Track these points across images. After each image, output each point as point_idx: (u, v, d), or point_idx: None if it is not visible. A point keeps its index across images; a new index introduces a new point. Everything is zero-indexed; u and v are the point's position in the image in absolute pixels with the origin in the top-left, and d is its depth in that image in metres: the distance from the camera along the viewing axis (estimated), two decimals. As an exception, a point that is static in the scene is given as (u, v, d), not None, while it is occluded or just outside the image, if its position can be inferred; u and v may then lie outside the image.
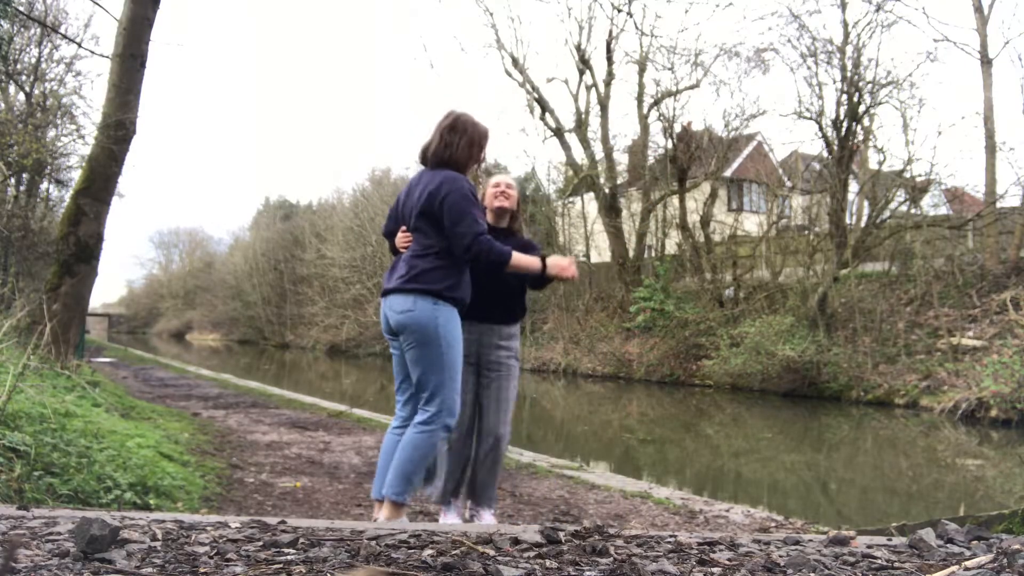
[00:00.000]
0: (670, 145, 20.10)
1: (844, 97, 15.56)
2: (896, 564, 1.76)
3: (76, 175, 12.30)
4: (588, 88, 21.44)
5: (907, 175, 16.06)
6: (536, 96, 21.42)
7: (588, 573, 1.62)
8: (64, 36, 15.94)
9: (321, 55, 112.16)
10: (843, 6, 15.94)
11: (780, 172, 22.93)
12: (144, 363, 18.11)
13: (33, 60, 16.74)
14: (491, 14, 30.63)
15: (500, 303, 3.42)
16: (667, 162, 20.24)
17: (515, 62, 21.32)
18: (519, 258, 3.02)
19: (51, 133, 15.79)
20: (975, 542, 1.95)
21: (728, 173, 23.78)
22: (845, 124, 15.56)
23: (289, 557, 1.69)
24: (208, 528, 1.97)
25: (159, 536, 1.82)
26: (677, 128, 20.12)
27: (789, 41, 17.31)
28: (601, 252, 23.52)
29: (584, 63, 20.97)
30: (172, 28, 61.78)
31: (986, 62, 15.27)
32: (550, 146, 46.85)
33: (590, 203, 23.26)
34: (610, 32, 20.53)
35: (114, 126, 8.57)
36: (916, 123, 39.15)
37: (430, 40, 63.79)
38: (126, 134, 8.73)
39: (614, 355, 18.58)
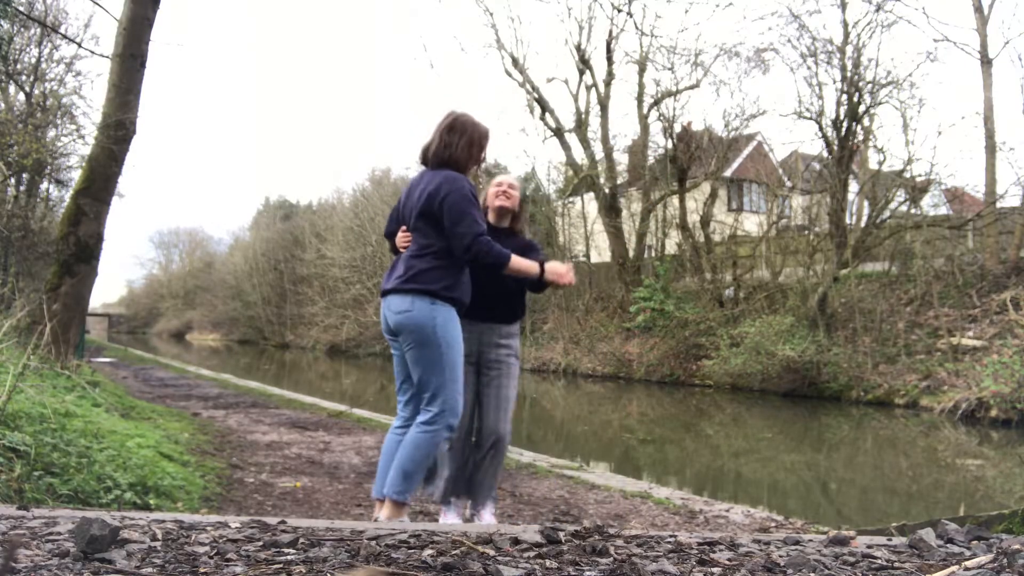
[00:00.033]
0: (670, 145, 20.11)
1: (844, 97, 15.56)
2: (896, 564, 1.76)
3: (76, 175, 12.31)
4: (588, 88, 21.46)
5: (907, 175, 16.06)
6: (536, 96, 21.43)
7: (588, 573, 1.62)
8: (64, 36, 15.95)
9: (321, 55, 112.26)
10: (843, 6, 15.96)
11: (780, 172, 22.93)
12: (144, 363, 18.11)
13: (33, 60, 16.76)
14: (491, 14, 30.65)
15: (500, 302, 3.42)
16: (667, 162, 20.24)
17: (515, 62, 21.33)
18: (518, 261, 3.02)
19: (51, 133, 15.81)
20: (975, 542, 1.95)
21: (728, 173, 23.78)
22: (845, 124, 15.56)
23: (289, 557, 1.69)
24: (208, 528, 1.97)
25: (159, 536, 1.82)
26: (677, 128, 20.13)
27: (789, 41, 17.33)
28: (601, 252, 23.51)
29: (584, 63, 20.97)
30: (172, 28, 61.82)
31: (986, 62, 15.27)
32: (550, 146, 46.89)
33: (590, 203, 23.26)
34: (610, 32, 20.56)
35: (114, 126, 8.57)
36: (916, 123, 39.21)
37: (430, 40, 63.86)
38: (126, 134, 8.73)
39: (614, 355, 18.58)
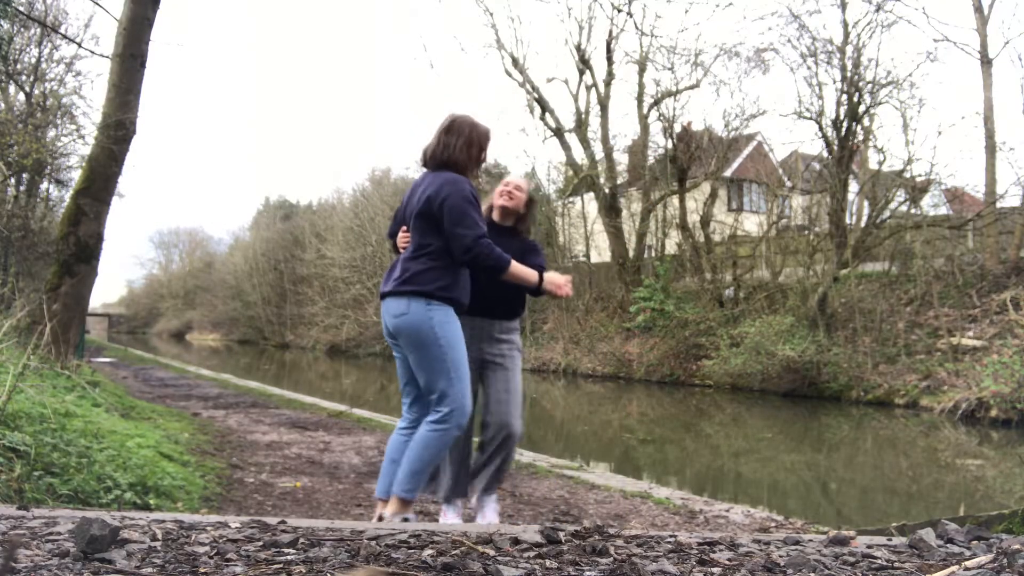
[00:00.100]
0: (670, 145, 20.11)
1: (844, 97, 15.56)
2: (896, 564, 1.76)
3: (76, 175, 12.31)
4: (588, 88, 21.46)
5: (907, 175, 16.06)
6: (536, 96, 21.43)
7: (588, 573, 1.62)
8: (64, 36, 15.96)
9: (321, 55, 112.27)
10: (843, 6, 15.95)
11: (780, 172, 22.93)
12: (144, 363, 18.11)
13: (33, 60, 16.76)
14: (491, 14, 30.68)
15: (499, 300, 3.42)
16: (667, 162, 20.24)
17: (515, 62, 21.33)
18: (517, 268, 3.02)
19: (51, 133, 15.81)
20: (975, 542, 1.95)
21: (728, 173, 23.78)
22: (845, 124, 15.56)
23: (289, 557, 1.69)
24: (208, 528, 1.97)
25: (159, 536, 1.82)
26: (677, 128, 20.13)
27: (789, 41, 17.33)
28: (601, 252, 23.51)
29: (584, 63, 20.97)
30: (172, 28, 61.85)
31: (986, 62, 15.27)
32: (550, 146, 46.92)
33: (590, 203, 23.26)
34: (610, 32, 20.55)
35: (114, 126, 8.57)
36: (916, 123, 39.23)
37: (430, 40, 63.89)
38: (126, 134, 8.73)
39: (614, 355, 18.58)
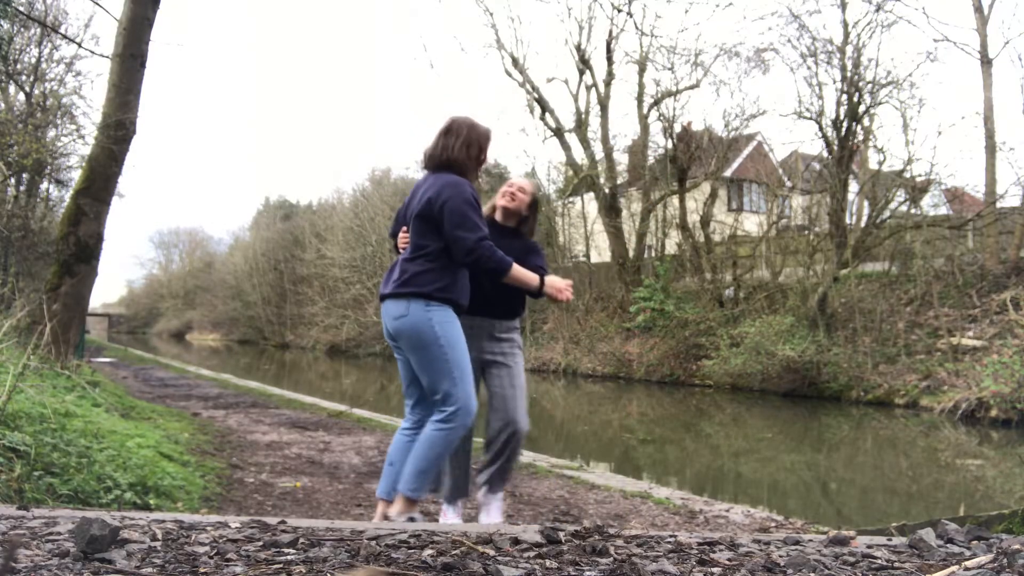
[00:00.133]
0: (670, 145, 20.11)
1: (844, 97, 15.56)
2: (896, 564, 1.76)
3: (76, 175, 12.31)
4: (588, 88, 21.46)
5: (907, 175, 16.06)
6: (536, 96, 21.43)
7: (588, 573, 1.62)
8: (64, 36, 15.95)
9: (321, 55, 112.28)
10: (843, 6, 15.95)
11: (780, 172, 22.93)
12: (144, 363, 18.11)
13: (33, 60, 16.76)
14: (491, 14, 30.68)
15: (500, 300, 3.42)
16: (667, 162, 20.24)
17: (515, 62, 21.33)
18: (518, 271, 3.02)
19: (51, 133, 15.81)
20: (975, 542, 1.95)
21: (728, 173, 23.78)
22: (845, 124, 15.56)
23: (289, 557, 1.69)
24: (208, 528, 1.97)
25: (159, 536, 1.82)
26: (677, 128, 20.13)
27: (789, 41, 17.34)
28: (601, 252, 23.51)
29: (584, 63, 20.97)
30: (172, 28, 61.84)
31: (986, 62, 15.27)
32: (550, 146, 46.93)
33: (590, 203, 23.26)
34: (610, 32, 20.55)
35: (114, 126, 8.57)
36: (916, 123, 39.22)
37: (430, 40, 63.90)
38: (126, 134, 8.73)
39: (614, 355, 18.58)
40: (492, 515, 3.43)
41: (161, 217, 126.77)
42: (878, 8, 15.45)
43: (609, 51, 20.74)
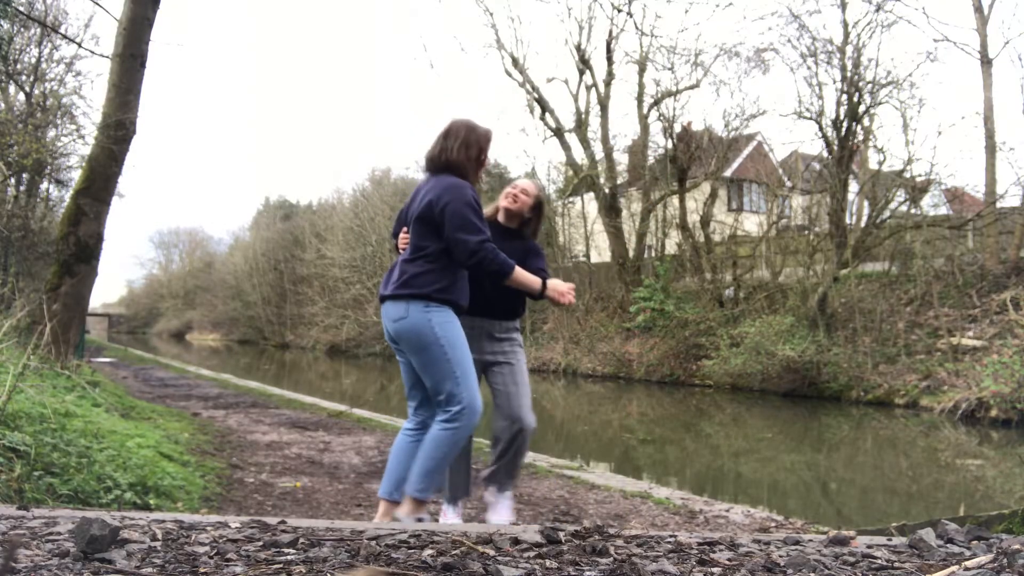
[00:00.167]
0: (670, 145, 20.10)
1: (844, 97, 15.56)
2: (896, 564, 1.76)
3: (76, 175, 12.31)
4: (588, 88, 21.46)
5: (907, 175, 16.06)
6: (536, 96, 21.43)
7: (588, 573, 1.62)
8: (64, 36, 15.95)
9: (321, 55, 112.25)
10: (843, 6, 15.95)
11: (780, 172, 22.93)
12: (144, 363, 18.11)
13: (33, 60, 16.76)
14: (491, 14, 30.68)
15: (501, 300, 3.42)
16: (667, 162, 20.24)
17: (515, 62, 21.32)
18: (520, 274, 3.02)
19: (51, 133, 15.81)
20: (975, 542, 1.95)
21: (728, 173, 23.78)
22: (845, 124, 15.56)
23: (289, 557, 1.69)
24: (208, 528, 1.97)
25: (159, 536, 1.82)
26: (677, 128, 20.13)
27: (789, 41, 17.34)
28: (601, 252, 23.51)
29: (584, 63, 20.97)
30: (172, 28, 61.84)
31: (986, 62, 15.27)
32: (550, 146, 46.94)
33: (590, 203, 23.26)
34: (610, 32, 20.55)
35: (114, 126, 8.57)
36: (916, 123, 39.23)
37: (430, 40, 63.89)
38: (126, 134, 8.73)
39: (614, 355, 18.58)
40: (502, 516, 3.42)
41: (161, 217, 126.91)
42: (878, 8, 15.47)
43: (609, 51, 20.75)
